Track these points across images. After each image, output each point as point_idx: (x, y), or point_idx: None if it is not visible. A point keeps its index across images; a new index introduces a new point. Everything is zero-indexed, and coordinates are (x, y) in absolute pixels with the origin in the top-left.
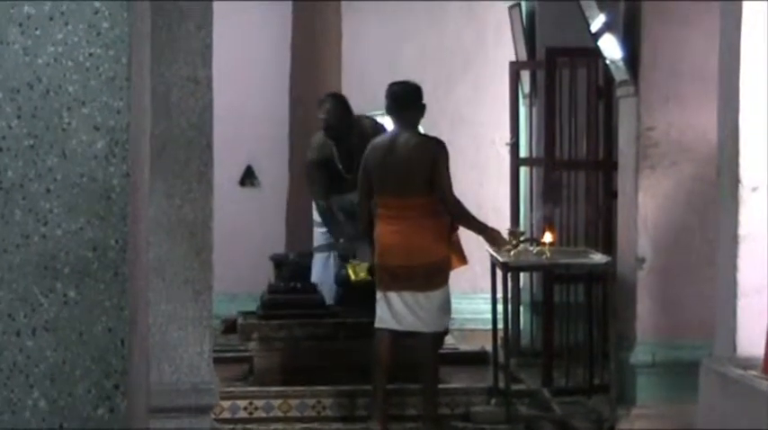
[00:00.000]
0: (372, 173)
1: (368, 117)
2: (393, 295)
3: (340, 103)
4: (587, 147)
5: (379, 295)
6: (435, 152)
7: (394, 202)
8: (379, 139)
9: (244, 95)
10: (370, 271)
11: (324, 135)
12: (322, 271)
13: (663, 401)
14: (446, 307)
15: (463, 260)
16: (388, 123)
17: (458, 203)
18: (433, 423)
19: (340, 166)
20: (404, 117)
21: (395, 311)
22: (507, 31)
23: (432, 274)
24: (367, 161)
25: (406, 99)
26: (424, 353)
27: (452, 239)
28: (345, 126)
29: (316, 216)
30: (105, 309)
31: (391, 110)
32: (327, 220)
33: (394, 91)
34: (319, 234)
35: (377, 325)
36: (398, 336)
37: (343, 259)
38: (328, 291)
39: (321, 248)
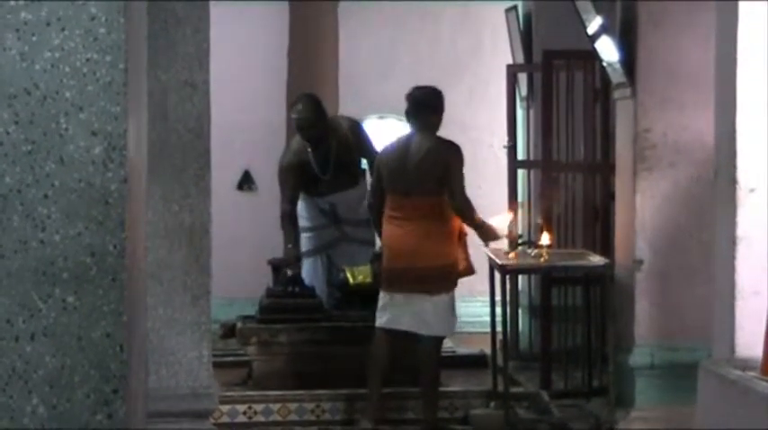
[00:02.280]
0: (384, 174)
1: (346, 117)
2: (398, 296)
3: (312, 103)
4: (584, 150)
5: (383, 296)
6: (449, 155)
7: (403, 203)
8: (392, 142)
9: (241, 100)
10: (377, 272)
11: (299, 137)
12: (311, 275)
13: (662, 403)
14: (452, 311)
15: (470, 269)
16: (380, 126)
17: (465, 201)
18: (432, 427)
19: (316, 169)
20: (419, 120)
21: (399, 312)
22: (504, 34)
23: (439, 278)
24: (379, 163)
25: (421, 103)
26: (427, 357)
27: (461, 245)
28: (319, 126)
29: (302, 221)
30: (104, 315)
31: (408, 113)
32: (285, 225)
33: (412, 95)
34: (306, 239)
35: (378, 325)
36: (398, 339)
37: (330, 264)
38: (319, 295)
39: (309, 253)
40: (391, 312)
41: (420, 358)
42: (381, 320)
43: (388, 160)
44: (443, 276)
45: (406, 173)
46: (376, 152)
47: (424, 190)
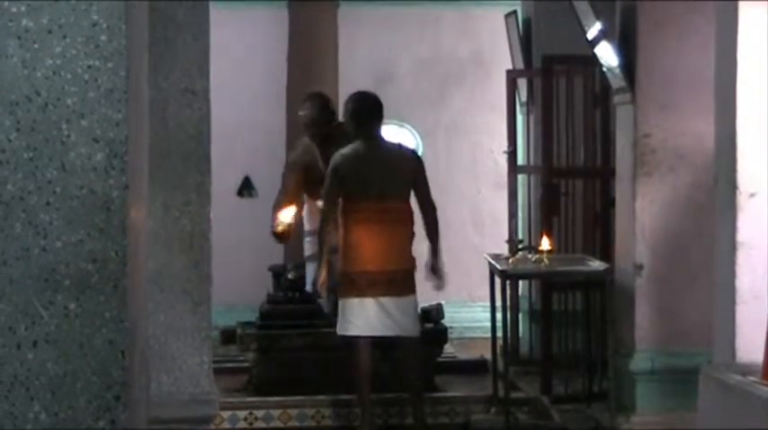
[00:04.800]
0: (347, 180)
1: None
2: (370, 301)
3: (320, 102)
4: (585, 155)
5: (352, 302)
6: (417, 161)
7: (376, 207)
8: (352, 148)
9: (241, 106)
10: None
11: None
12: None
13: (662, 408)
14: (417, 312)
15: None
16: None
17: (435, 210)
18: (425, 427)
19: (323, 170)
20: (375, 126)
21: (373, 318)
22: (503, 39)
23: (408, 278)
24: (340, 169)
25: (375, 109)
26: (412, 359)
27: None
28: (325, 126)
29: (306, 225)
30: (105, 321)
31: (362, 118)
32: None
33: (365, 101)
34: (309, 243)
35: (352, 333)
36: (376, 345)
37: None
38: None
39: (311, 257)
40: (365, 318)
41: (405, 362)
42: (354, 328)
43: (353, 166)
44: (411, 277)
45: (380, 178)
46: None
47: (399, 194)
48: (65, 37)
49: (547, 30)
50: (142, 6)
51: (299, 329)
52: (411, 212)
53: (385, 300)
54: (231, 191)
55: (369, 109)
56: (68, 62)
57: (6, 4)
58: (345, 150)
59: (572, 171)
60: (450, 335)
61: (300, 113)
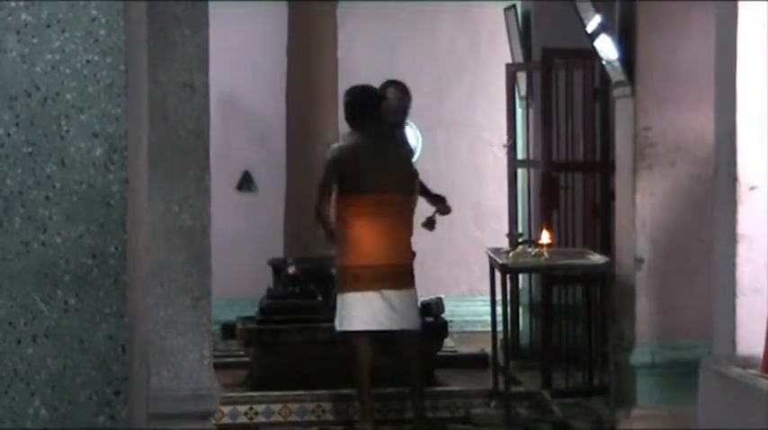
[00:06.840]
0: (347, 173)
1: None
2: (372, 295)
3: (406, 91)
4: (584, 149)
5: (354, 296)
6: (412, 152)
7: (378, 200)
8: (351, 141)
9: (240, 100)
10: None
11: (389, 119)
12: None
13: (662, 402)
14: (418, 305)
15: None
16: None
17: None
18: (425, 421)
19: None
20: (374, 120)
21: (376, 312)
22: (503, 33)
23: (409, 272)
24: (341, 162)
25: (374, 101)
26: (412, 353)
27: None
28: (403, 117)
29: None
30: (105, 316)
31: (361, 111)
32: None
33: (364, 94)
34: None
35: (357, 327)
36: (376, 339)
37: None
38: None
39: None
40: (370, 312)
41: (405, 356)
42: (359, 322)
43: (353, 159)
44: (411, 270)
45: (383, 171)
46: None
47: (401, 187)
48: (64, 31)
49: (546, 23)
50: (141, 1)
51: (300, 324)
52: (413, 203)
53: (389, 293)
54: (231, 185)
55: (367, 102)
56: (67, 57)
57: None
58: (345, 143)
59: (572, 164)
60: (450, 329)
61: (392, 97)
